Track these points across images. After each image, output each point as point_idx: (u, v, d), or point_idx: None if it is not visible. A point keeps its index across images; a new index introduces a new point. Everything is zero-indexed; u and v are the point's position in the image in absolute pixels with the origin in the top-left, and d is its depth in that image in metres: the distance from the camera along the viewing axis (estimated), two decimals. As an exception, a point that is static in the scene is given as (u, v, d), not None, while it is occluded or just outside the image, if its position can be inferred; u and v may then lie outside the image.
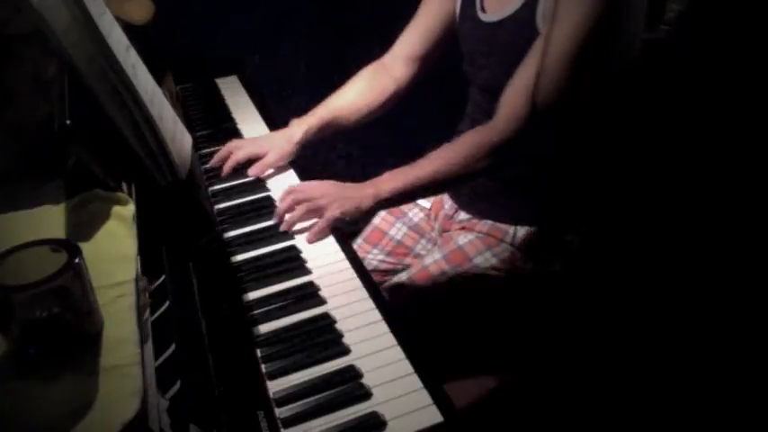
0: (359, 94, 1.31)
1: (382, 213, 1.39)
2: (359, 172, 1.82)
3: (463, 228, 1.23)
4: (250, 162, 1.24)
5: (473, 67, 1.20)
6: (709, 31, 1.39)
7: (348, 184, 1.10)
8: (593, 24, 0.95)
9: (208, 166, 1.27)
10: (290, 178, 1.24)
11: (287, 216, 1.07)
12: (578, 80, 0.99)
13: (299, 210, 1.06)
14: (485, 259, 1.17)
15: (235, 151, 1.24)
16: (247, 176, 1.23)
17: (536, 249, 1.17)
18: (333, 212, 1.05)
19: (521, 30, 1.05)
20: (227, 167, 1.24)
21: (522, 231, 1.17)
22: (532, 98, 0.98)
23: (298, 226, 1.07)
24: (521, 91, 1.01)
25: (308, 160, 1.25)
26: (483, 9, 1.15)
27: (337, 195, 1.07)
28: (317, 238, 1.05)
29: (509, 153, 1.04)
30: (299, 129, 1.25)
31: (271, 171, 1.24)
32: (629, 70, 1.10)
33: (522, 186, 1.18)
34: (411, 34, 1.31)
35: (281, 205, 1.08)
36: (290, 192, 1.10)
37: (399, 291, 1.19)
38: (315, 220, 1.07)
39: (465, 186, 1.25)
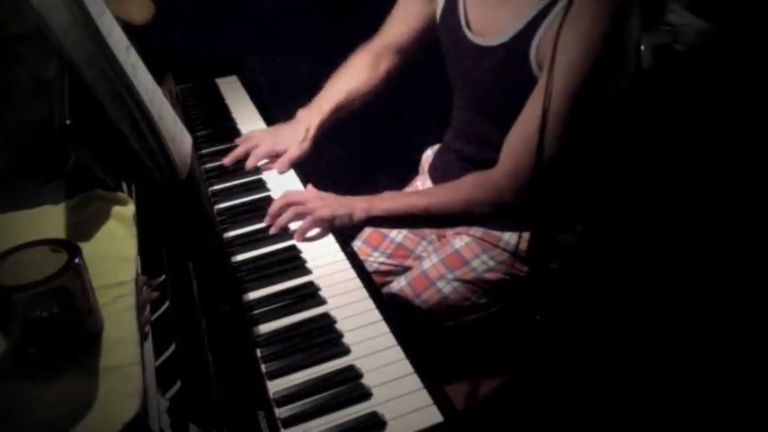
0: (361, 80, 1.29)
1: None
2: (358, 178, 1.82)
3: (458, 233, 1.23)
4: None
5: (456, 81, 1.19)
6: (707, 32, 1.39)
7: (345, 196, 1.09)
8: (592, 68, 0.93)
9: (213, 164, 1.27)
10: (291, 178, 1.24)
11: (277, 220, 1.06)
12: (581, 129, 0.98)
13: (288, 212, 1.06)
14: (481, 262, 1.17)
15: (254, 150, 1.24)
16: (247, 176, 1.23)
17: (531, 251, 1.16)
18: (321, 213, 1.04)
19: (511, 62, 1.03)
20: (250, 164, 1.23)
21: (514, 237, 1.16)
22: (536, 152, 0.96)
23: (292, 226, 1.07)
24: (521, 144, 0.99)
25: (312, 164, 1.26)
26: (469, 26, 1.11)
27: (331, 202, 1.06)
28: (302, 236, 1.05)
29: (509, 203, 1.03)
30: (313, 123, 1.25)
31: (268, 173, 1.24)
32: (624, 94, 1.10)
33: None
34: (396, 27, 1.29)
35: (272, 207, 1.08)
36: (283, 195, 1.10)
37: (399, 296, 1.19)
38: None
39: None
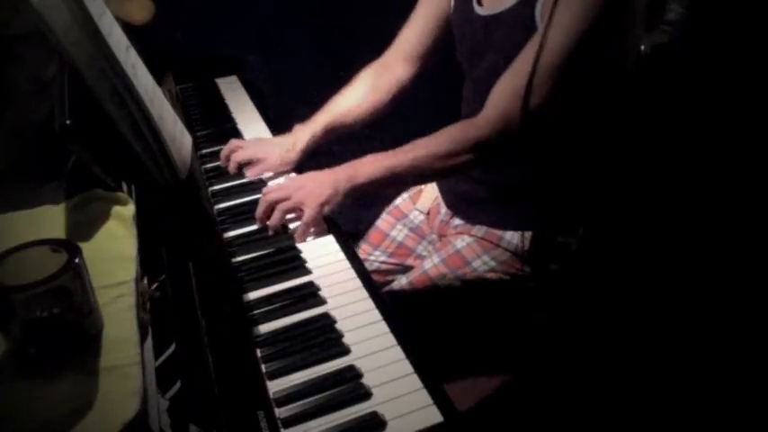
0: (363, 97, 1.29)
1: (382, 215, 1.39)
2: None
3: (459, 232, 1.23)
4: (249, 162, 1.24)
5: (468, 63, 1.19)
6: (706, 32, 1.39)
7: (325, 171, 1.07)
8: (589, 27, 0.93)
9: (213, 164, 1.27)
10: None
11: (268, 222, 1.06)
12: (571, 85, 0.98)
13: (277, 214, 1.05)
14: (482, 262, 1.17)
15: (237, 150, 1.24)
16: (247, 176, 1.23)
17: (532, 252, 1.16)
18: (313, 208, 1.03)
19: (518, 25, 1.03)
20: (231, 168, 1.24)
21: (516, 236, 1.16)
22: (523, 100, 0.96)
23: (291, 224, 1.07)
24: (509, 90, 0.99)
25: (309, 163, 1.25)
26: (479, 2, 1.13)
27: (313, 186, 1.05)
28: (304, 238, 1.04)
29: (491, 151, 1.02)
30: (303, 136, 1.24)
31: (269, 174, 1.24)
32: (623, 76, 1.09)
33: (512, 193, 1.17)
34: (410, 33, 1.29)
35: (257, 210, 1.06)
36: (265, 193, 1.08)
37: (400, 295, 1.19)
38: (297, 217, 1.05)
39: (456, 193, 1.25)
